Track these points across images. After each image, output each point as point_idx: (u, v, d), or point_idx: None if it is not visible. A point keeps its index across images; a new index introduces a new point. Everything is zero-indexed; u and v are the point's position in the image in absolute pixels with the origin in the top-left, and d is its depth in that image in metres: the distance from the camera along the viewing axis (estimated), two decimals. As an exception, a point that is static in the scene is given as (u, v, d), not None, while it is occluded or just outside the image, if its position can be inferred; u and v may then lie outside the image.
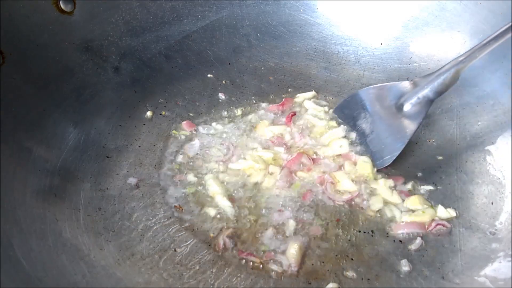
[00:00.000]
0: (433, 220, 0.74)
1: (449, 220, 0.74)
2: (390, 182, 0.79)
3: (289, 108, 0.95)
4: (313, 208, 0.76)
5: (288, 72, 1.05)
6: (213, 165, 0.83)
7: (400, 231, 0.73)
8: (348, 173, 0.81)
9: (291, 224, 0.73)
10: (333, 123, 0.90)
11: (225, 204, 0.75)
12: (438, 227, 0.73)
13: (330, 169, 0.81)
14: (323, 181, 0.79)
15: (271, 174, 0.80)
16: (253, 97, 0.98)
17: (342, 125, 0.89)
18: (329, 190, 0.78)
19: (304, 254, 0.70)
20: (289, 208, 0.75)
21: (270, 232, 0.72)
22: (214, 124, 0.91)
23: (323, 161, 0.83)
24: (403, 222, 0.74)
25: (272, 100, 0.98)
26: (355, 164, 0.82)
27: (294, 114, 0.92)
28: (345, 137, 0.87)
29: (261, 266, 0.68)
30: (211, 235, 0.72)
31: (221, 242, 0.70)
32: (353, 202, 0.77)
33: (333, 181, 0.79)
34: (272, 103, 0.96)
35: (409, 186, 0.80)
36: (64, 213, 0.72)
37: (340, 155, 0.84)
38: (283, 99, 0.96)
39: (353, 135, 0.87)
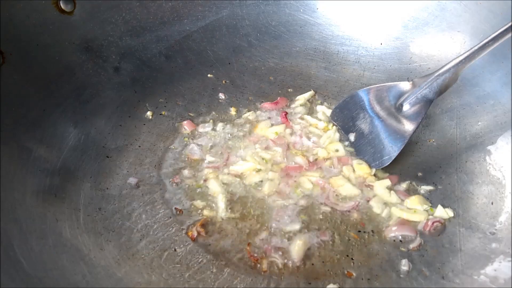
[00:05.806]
0: (428, 219, 0.74)
1: (447, 220, 0.74)
2: (389, 182, 0.79)
3: (282, 107, 0.95)
4: (313, 211, 0.76)
5: (288, 72, 1.05)
6: (213, 165, 0.83)
7: (393, 234, 0.72)
8: (347, 177, 0.81)
9: (291, 225, 0.73)
10: (331, 125, 0.90)
11: (221, 206, 0.75)
12: (435, 224, 0.73)
13: (330, 174, 0.81)
14: (324, 186, 0.79)
15: (271, 180, 0.80)
16: (253, 97, 0.98)
17: (336, 128, 0.89)
18: (331, 199, 0.77)
19: (306, 252, 0.70)
20: (289, 211, 0.75)
21: (268, 231, 0.72)
22: (214, 124, 0.91)
23: (323, 166, 0.83)
24: (402, 224, 0.73)
25: (272, 100, 0.97)
26: (352, 167, 0.82)
27: (286, 113, 0.92)
28: (341, 140, 0.87)
29: (264, 254, 0.69)
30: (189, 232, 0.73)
31: (195, 233, 0.71)
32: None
33: (335, 188, 0.79)
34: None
35: (404, 185, 0.80)
36: (64, 213, 0.72)
37: (338, 158, 0.84)
38: (278, 98, 0.96)
39: (351, 137, 0.87)
